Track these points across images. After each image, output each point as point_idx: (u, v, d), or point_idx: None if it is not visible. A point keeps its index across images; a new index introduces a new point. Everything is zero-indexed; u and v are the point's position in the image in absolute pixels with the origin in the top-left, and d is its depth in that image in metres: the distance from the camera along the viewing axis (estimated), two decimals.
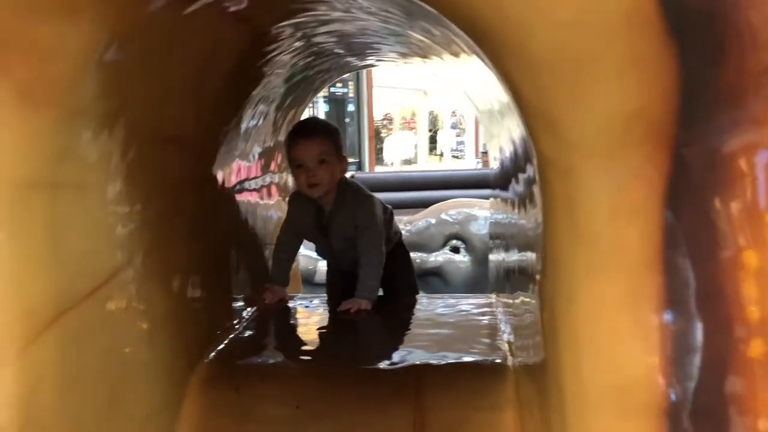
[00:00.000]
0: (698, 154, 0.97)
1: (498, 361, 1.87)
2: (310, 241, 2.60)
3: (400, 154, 16.79)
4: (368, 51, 2.62)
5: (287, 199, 2.61)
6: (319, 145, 2.29)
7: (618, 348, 1.04)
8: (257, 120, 2.33)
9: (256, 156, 2.47)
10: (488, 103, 2.09)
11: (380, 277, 2.37)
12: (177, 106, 1.66)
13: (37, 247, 1.16)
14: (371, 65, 3.05)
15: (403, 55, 2.61)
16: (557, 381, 1.18)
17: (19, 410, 1.12)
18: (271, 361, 1.97)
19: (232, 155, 2.21)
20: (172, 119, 1.66)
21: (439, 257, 4.92)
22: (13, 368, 1.11)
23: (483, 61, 1.42)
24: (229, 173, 2.21)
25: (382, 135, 16.97)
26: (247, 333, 2.18)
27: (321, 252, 2.67)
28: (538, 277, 1.36)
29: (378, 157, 16.17)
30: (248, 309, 2.35)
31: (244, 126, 2.22)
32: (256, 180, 2.49)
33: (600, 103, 1.00)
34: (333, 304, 2.42)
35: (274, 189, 2.75)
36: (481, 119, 2.93)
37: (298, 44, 2.18)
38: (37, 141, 1.14)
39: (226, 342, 2.07)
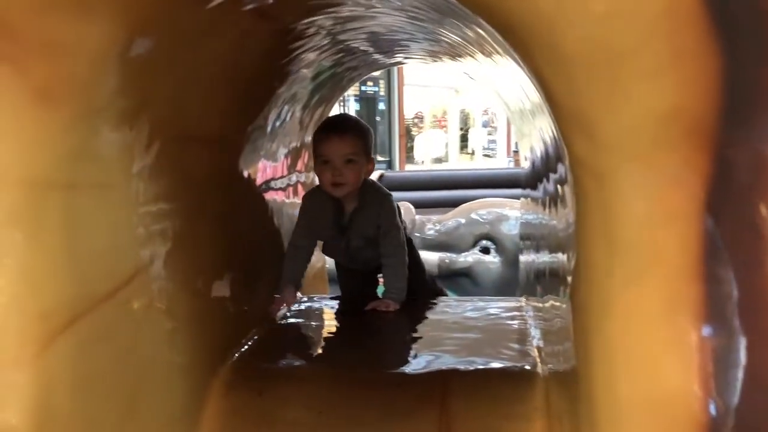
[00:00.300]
0: (742, 156, 0.91)
1: (527, 367, 1.81)
2: (323, 239, 2.49)
3: (431, 153, 16.71)
4: (396, 49, 2.58)
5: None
6: (351, 144, 2.21)
7: (654, 361, 0.98)
8: (283, 118, 2.30)
9: (283, 155, 2.44)
10: (519, 102, 2.03)
11: (407, 276, 2.32)
12: (201, 104, 1.64)
13: (53, 248, 1.14)
14: (399, 63, 3.00)
15: (433, 54, 2.56)
16: (588, 392, 1.12)
17: (34, 413, 1.10)
18: (295, 364, 1.94)
19: (257, 154, 2.19)
20: (195, 117, 1.63)
21: (469, 258, 4.85)
22: (29, 371, 1.09)
23: (514, 59, 1.37)
24: (254, 172, 2.19)
25: (413, 133, 16.91)
26: (272, 335, 2.15)
27: (330, 251, 2.55)
28: (569, 279, 1.30)
29: (409, 155, 16.11)
30: (273, 310, 2.32)
31: (270, 125, 2.19)
32: (282, 179, 2.47)
33: (637, 102, 0.94)
34: (353, 305, 2.37)
35: (300, 189, 2.72)
36: (512, 118, 2.87)
37: (324, 42, 2.15)
38: (53, 140, 1.12)
39: (249, 344, 2.04)
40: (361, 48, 2.41)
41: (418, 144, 16.87)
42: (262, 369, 1.91)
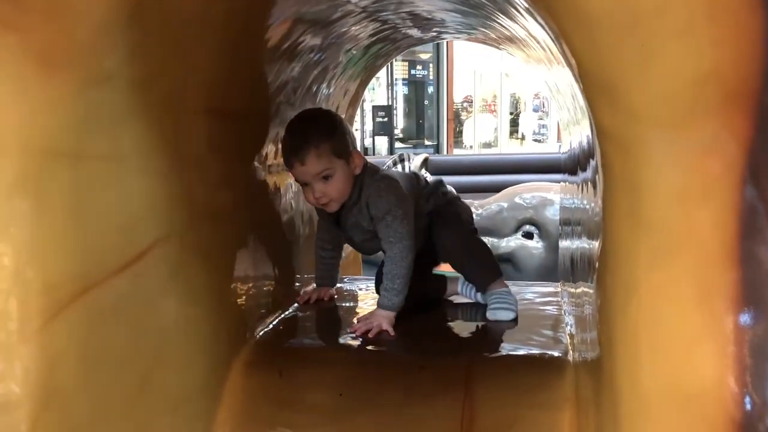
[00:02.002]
0: None
1: (558, 355, 1.73)
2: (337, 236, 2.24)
3: (480, 137, 16.51)
4: (435, 27, 2.50)
5: None
6: (316, 164, 1.88)
7: (684, 350, 0.90)
8: (313, 93, 2.25)
9: None
10: (557, 83, 1.94)
11: (408, 273, 1.92)
12: (220, 75, 1.59)
13: (59, 218, 1.11)
14: (437, 38, 2.90)
15: (483, 37, 2.45)
16: (611, 383, 1.04)
17: (38, 388, 1.08)
18: (318, 345, 1.90)
19: (284, 128, 2.14)
20: (214, 89, 1.59)
21: (511, 243, 4.75)
22: (33, 344, 1.07)
23: (542, 26, 1.29)
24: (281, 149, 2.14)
25: (462, 118, 16.73)
26: (295, 315, 2.11)
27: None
28: (597, 265, 1.22)
29: (457, 140, 15.94)
30: (300, 291, 2.29)
31: (298, 99, 2.14)
32: None
33: (668, 64, 0.85)
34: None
35: None
36: (554, 101, 2.75)
37: (360, 15, 2.09)
38: (59, 108, 1.09)
39: (273, 324, 2.01)
40: (396, 24, 2.34)
41: (467, 128, 16.68)
42: (285, 349, 1.88)
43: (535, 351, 1.76)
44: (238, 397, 1.69)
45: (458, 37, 2.73)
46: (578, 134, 1.65)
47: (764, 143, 0.83)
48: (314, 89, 2.27)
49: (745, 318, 0.86)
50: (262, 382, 1.73)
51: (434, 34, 2.66)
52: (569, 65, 1.05)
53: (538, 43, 1.62)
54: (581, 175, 1.60)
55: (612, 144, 0.98)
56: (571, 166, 2.09)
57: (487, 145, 16.40)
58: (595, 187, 1.31)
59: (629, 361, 0.97)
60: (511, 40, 2.21)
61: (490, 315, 2.01)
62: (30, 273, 1.07)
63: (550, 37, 1.16)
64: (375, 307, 1.96)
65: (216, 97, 1.62)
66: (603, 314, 1.12)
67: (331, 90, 2.42)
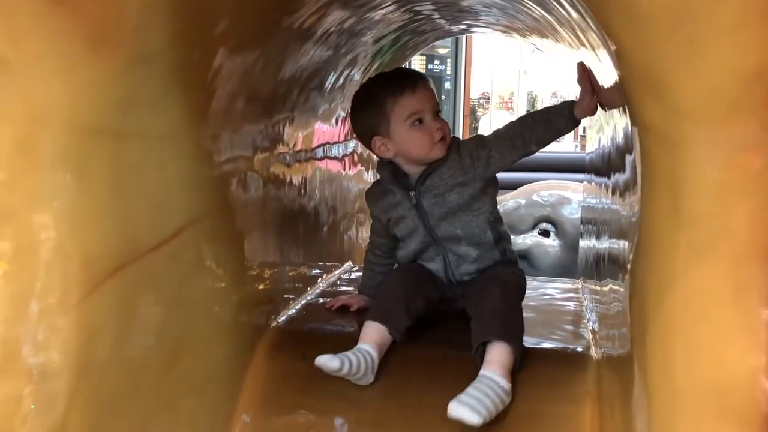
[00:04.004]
0: None
1: (580, 350, 1.74)
2: (405, 234, 1.90)
3: None
4: (467, 19, 2.49)
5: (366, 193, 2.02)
6: (433, 94, 1.80)
7: (718, 345, 0.91)
8: (342, 82, 2.26)
9: (339, 119, 2.40)
10: None
11: None
12: (252, 60, 1.60)
13: (101, 194, 1.14)
14: (467, 31, 2.90)
15: (505, 27, 2.46)
16: (644, 378, 1.05)
17: (77, 358, 1.11)
18: (341, 331, 1.91)
19: (314, 115, 2.16)
20: (246, 75, 1.60)
21: (528, 240, 4.74)
22: (72, 316, 1.10)
23: (585, 18, 1.29)
24: (310, 134, 2.16)
25: (478, 114, 16.68)
26: (318, 301, 2.13)
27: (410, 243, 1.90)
28: (629, 264, 1.22)
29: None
30: (324, 276, 2.31)
31: (327, 87, 2.15)
32: (338, 145, 2.43)
33: (715, 60, 0.86)
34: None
35: (356, 157, 2.68)
36: None
37: (392, 5, 2.09)
38: (104, 86, 1.11)
39: (296, 309, 2.03)
40: (427, 13, 2.34)
41: (483, 125, 16.65)
42: (308, 334, 1.90)
43: (557, 345, 1.77)
44: (261, 381, 1.71)
45: (487, 30, 2.72)
46: (610, 133, 1.65)
47: None
48: (344, 77, 2.28)
49: None
50: (285, 366, 1.75)
51: (463, 26, 2.67)
52: (613, 61, 1.06)
53: (573, 32, 1.62)
54: (613, 175, 1.60)
55: (655, 139, 0.99)
56: (598, 165, 2.09)
57: None
58: (629, 186, 1.31)
59: (663, 355, 0.98)
60: (542, 32, 2.21)
61: (451, 408, 1.45)
62: (70, 246, 1.10)
63: (591, 29, 1.17)
64: None
65: (247, 83, 1.64)
66: (636, 310, 1.13)
67: (362, 79, 2.43)
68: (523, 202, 4.80)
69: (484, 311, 1.66)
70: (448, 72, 14.29)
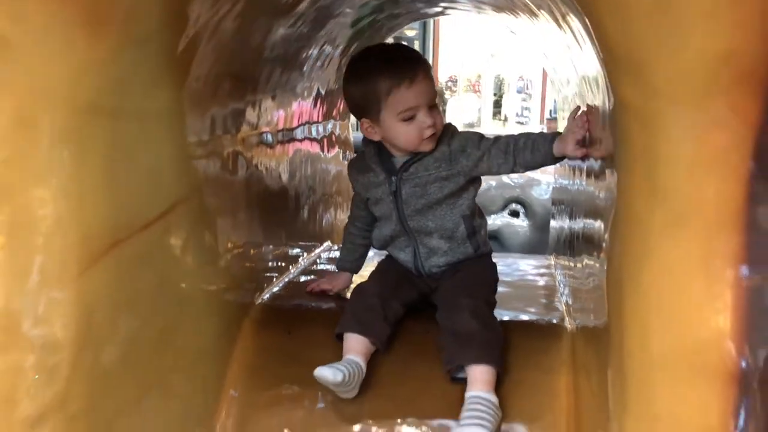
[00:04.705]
0: None
1: (554, 321, 1.82)
2: (380, 215, 1.86)
3: (464, 117, 16.56)
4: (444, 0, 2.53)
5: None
6: (432, 84, 1.71)
7: (689, 310, 0.98)
8: (321, 62, 2.29)
9: (318, 100, 2.43)
10: (564, 66, 2.00)
11: None
12: (232, 40, 1.62)
13: (97, 172, 1.16)
14: (442, 13, 2.93)
15: (479, 4, 2.49)
16: (620, 343, 1.12)
17: (76, 331, 1.13)
18: (324, 307, 1.96)
19: (293, 94, 2.19)
20: (227, 54, 1.62)
21: (498, 220, 4.84)
22: (72, 290, 1.13)
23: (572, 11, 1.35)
24: (289, 114, 2.19)
25: (446, 97, 16.73)
26: (302, 278, 2.18)
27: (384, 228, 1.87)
28: (605, 241, 1.29)
29: None
30: (304, 255, 2.35)
31: (306, 67, 2.18)
32: (317, 126, 2.46)
33: (689, 44, 0.92)
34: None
35: (334, 138, 2.72)
36: (557, 82, 2.80)
37: None
38: (101, 66, 1.13)
39: (279, 287, 2.07)
40: None
41: (450, 108, 16.70)
42: (292, 310, 1.95)
43: (533, 318, 1.85)
44: (248, 355, 1.75)
45: (463, 12, 2.76)
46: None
47: None
48: (324, 57, 2.30)
49: (746, 279, 0.94)
50: (270, 341, 1.79)
51: (439, 9, 2.71)
52: (593, 43, 1.12)
53: (553, 15, 1.67)
54: (589, 158, 1.63)
55: (632, 118, 1.05)
56: None
57: (470, 126, 16.43)
58: (604, 169, 1.37)
59: (639, 322, 1.05)
60: (518, 13, 2.25)
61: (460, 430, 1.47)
62: (69, 222, 1.12)
63: (572, 12, 1.22)
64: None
65: (228, 62, 1.66)
66: (612, 282, 1.20)
67: (340, 60, 2.46)
68: (493, 183, 4.89)
69: (459, 334, 1.60)
70: None
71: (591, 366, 1.46)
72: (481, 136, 1.76)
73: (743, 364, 0.94)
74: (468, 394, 1.53)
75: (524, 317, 1.86)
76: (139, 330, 1.32)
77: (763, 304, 0.93)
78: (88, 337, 1.16)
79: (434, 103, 1.71)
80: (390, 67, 1.68)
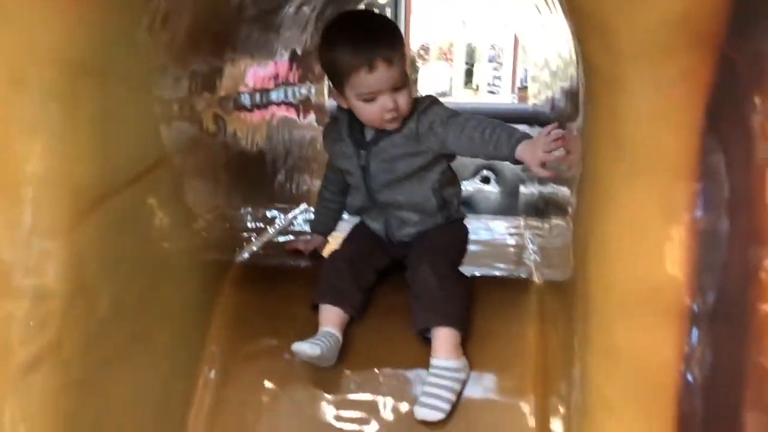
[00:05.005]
0: (745, 59, 0.96)
1: (524, 276, 1.90)
2: (352, 185, 1.90)
3: (435, 86, 16.56)
4: None
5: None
6: (400, 66, 1.64)
7: (648, 252, 1.06)
8: (298, 23, 2.31)
9: (294, 63, 2.46)
10: (536, 32, 2.06)
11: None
12: (215, 1, 1.65)
13: (86, 129, 1.20)
14: None
15: None
16: (584, 287, 1.21)
17: (68, 282, 1.18)
18: (302, 265, 2.02)
19: (270, 57, 2.21)
20: (204, 16, 1.64)
21: (469, 187, 4.93)
22: (63, 242, 1.17)
23: None
24: (267, 76, 2.22)
25: (418, 65, 16.68)
26: (280, 238, 2.23)
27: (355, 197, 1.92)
28: (571, 206, 1.37)
29: (413, 88, 15.93)
30: (281, 217, 2.40)
31: (283, 27, 2.20)
32: (293, 89, 2.49)
33: (649, 6, 0.99)
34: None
35: (310, 104, 2.75)
36: (527, 49, 2.85)
37: None
38: (91, 26, 1.17)
39: (259, 246, 2.13)
40: None
41: (422, 76, 16.65)
42: (271, 268, 2.00)
43: (503, 273, 1.94)
44: (229, 311, 1.81)
45: None
46: (563, 86, 1.75)
47: (723, 81, 0.98)
48: (300, 14, 2.31)
49: (699, 225, 1.02)
50: (250, 297, 1.85)
51: None
52: (563, 8, 1.18)
53: None
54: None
55: (599, 77, 1.12)
56: (547, 117, 2.21)
57: (442, 95, 16.44)
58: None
59: (602, 267, 1.13)
60: None
61: (416, 413, 1.56)
62: (59, 176, 1.16)
63: None
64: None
65: (208, 22, 1.68)
66: (579, 234, 1.28)
67: (316, 23, 2.48)
68: None
69: (420, 295, 1.66)
70: None
71: (557, 316, 1.54)
72: (450, 115, 1.70)
73: (695, 301, 1.02)
74: (431, 361, 1.60)
75: (495, 273, 1.95)
76: (125, 284, 1.37)
77: (713, 247, 1.01)
78: (80, 288, 1.21)
79: (400, 85, 1.66)
80: (353, 49, 1.64)
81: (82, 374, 1.23)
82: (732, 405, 0.99)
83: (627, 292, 1.08)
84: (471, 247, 1.97)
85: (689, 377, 1.02)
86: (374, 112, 1.68)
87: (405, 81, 1.68)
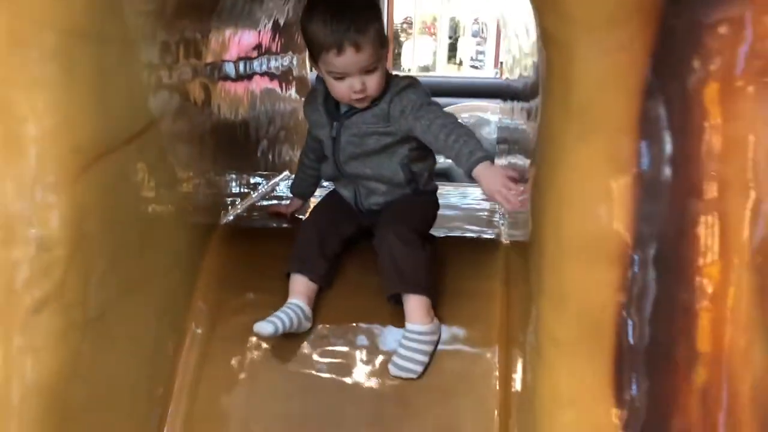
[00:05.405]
0: (683, 27, 1.08)
1: (492, 237, 2.03)
2: (325, 153, 1.98)
3: (419, 60, 16.57)
4: None
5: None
6: (369, 53, 1.69)
7: (594, 206, 1.19)
8: None
9: (277, 32, 2.54)
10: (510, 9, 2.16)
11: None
12: None
13: (83, 90, 1.29)
14: None
15: None
16: (540, 241, 1.33)
17: (71, 232, 1.28)
18: (284, 226, 2.14)
19: (253, 26, 2.30)
20: None
21: (448, 160, 5.03)
22: (66, 195, 1.26)
23: None
24: (251, 45, 2.30)
25: (401, 39, 16.67)
26: (263, 203, 2.34)
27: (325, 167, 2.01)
28: (532, 158, 1.49)
29: (395, 62, 15.95)
30: (264, 183, 2.51)
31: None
32: (276, 58, 2.58)
33: None
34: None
35: (292, 76, 2.84)
36: (506, 24, 2.93)
37: None
38: None
39: (242, 209, 2.24)
40: None
41: (405, 50, 16.65)
42: (254, 229, 2.12)
43: (474, 234, 2.06)
44: (216, 267, 1.92)
45: None
46: (533, 61, 1.86)
47: (663, 48, 1.10)
48: None
49: (640, 178, 1.14)
50: (236, 255, 1.97)
51: None
52: None
53: None
54: (531, 100, 1.74)
55: (553, 45, 1.23)
56: (518, 91, 2.30)
57: (425, 69, 16.47)
58: (532, 113, 1.54)
59: (554, 216, 1.26)
60: None
61: (393, 368, 1.70)
62: (60, 133, 1.26)
63: None
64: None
65: None
66: (536, 190, 1.40)
67: None
68: None
69: (390, 266, 1.72)
70: None
71: (520, 273, 1.67)
72: (422, 104, 1.75)
73: (634, 248, 1.15)
74: (406, 325, 1.71)
75: (467, 234, 2.07)
76: (120, 238, 1.47)
77: (653, 200, 1.14)
78: (82, 238, 1.30)
79: (370, 68, 1.71)
80: (324, 29, 1.68)
81: (82, 317, 1.34)
82: (663, 339, 1.13)
83: (576, 240, 1.20)
84: (447, 213, 2.10)
85: (626, 315, 1.15)
86: (342, 89, 1.75)
87: (376, 64, 1.72)
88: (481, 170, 1.59)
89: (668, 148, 1.12)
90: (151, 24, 1.51)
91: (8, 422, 1.26)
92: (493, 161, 1.63)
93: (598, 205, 1.17)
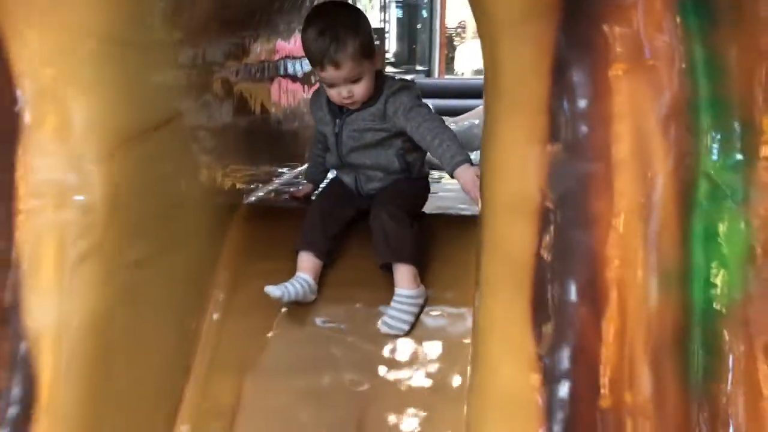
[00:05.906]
0: (579, 25, 1.33)
1: (471, 214, 2.28)
2: (329, 146, 2.26)
3: (472, 64, 16.68)
4: None
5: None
6: (350, 68, 1.95)
7: (517, 171, 1.44)
8: (299, 3, 2.71)
9: (296, 38, 2.86)
10: None
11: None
12: None
13: (117, 86, 1.61)
14: None
15: None
16: (482, 202, 1.60)
17: (108, 199, 1.59)
18: (297, 207, 2.44)
19: (276, 32, 2.61)
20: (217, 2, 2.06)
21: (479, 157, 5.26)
22: (104, 167, 1.57)
23: None
24: (273, 50, 2.62)
25: (455, 43, 16.79)
26: (281, 189, 2.68)
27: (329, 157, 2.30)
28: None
29: (449, 66, 16.10)
30: (285, 171, 2.84)
31: (287, 4, 2.60)
32: (297, 62, 2.91)
33: None
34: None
35: (313, 79, 3.16)
36: None
37: None
38: (117, 6, 1.58)
39: (263, 193, 2.57)
40: None
41: (459, 55, 16.75)
42: (274, 208, 2.45)
43: (458, 212, 2.36)
44: (238, 239, 2.24)
45: None
46: None
47: (564, 40, 1.35)
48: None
49: (551, 147, 1.39)
50: (256, 229, 2.29)
51: None
52: None
53: None
54: None
55: (485, 39, 1.50)
56: None
57: (479, 73, 16.56)
58: None
59: (490, 183, 1.53)
60: None
61: (382, 326, 1.99)
62: (100, 118, 1.57)
63: None
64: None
65: (216, 11, 2.10)
66: (482, 162, 1.66)
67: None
68: (476, 122, 5.31)
69: (383, 240, 2.00)
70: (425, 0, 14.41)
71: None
72: (413, 106, 2.03)
73: (547, 205, 1.39)
74: (395, 290, 1.98)
75: (451, 211, 2.37)
76: (152, 206, 1.77)
77: (562, 164, 1.38)
78: (118, 205, 1.61)
79: (354, 79, 1.99)
80: (310, 47, 1.98)
81: (118, 271, 1.66)
82: (570, 278, 1.37)
83: (503, 200, 1.46)
84: (440, 194, 2.37)
85: (542, 259, 1.39)
86: (333, 95, 2.06)
87: (360, 75, 1.99)
88: (459, 172, 1.92)
89: (574, 121, 1.37)
90: (176, 33, 1.84)
91: (59, 354, 1.58)
92: (471, 163, 1.93)
93: (520, 170, 1.42)
